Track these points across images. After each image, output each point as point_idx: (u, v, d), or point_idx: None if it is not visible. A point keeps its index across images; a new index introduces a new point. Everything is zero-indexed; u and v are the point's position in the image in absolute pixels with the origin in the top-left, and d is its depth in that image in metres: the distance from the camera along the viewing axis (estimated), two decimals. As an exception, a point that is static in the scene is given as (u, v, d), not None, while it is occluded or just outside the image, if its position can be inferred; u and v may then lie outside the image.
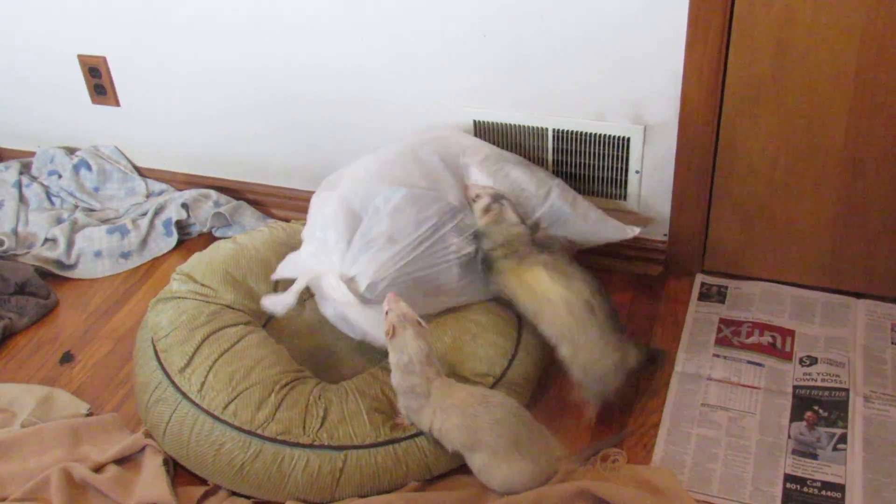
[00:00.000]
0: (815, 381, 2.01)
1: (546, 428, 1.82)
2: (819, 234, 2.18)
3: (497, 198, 2.05)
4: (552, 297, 1.91)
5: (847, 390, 1.97)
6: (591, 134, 2.22)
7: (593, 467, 1.86)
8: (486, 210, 2.04)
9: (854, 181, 2.08)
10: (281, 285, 2.13)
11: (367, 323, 1.92)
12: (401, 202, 2.00)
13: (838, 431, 1.89)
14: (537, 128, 2.25)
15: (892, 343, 2.09)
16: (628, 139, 2.19)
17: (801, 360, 2.07)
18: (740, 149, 2.13)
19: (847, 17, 1.88)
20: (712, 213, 2.26)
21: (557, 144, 2.26)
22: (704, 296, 2.29)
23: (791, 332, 2.14)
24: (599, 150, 2.23)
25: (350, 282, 1.95)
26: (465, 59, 2.23)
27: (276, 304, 2.01)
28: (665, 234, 2.32)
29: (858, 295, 2.22)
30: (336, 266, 1.98)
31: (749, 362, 2.08)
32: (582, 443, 1.93)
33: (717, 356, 2.10)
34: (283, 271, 2.10)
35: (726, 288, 2.30)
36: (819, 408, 1.95)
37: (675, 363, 2.10)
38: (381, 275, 1.95)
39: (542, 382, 2.06)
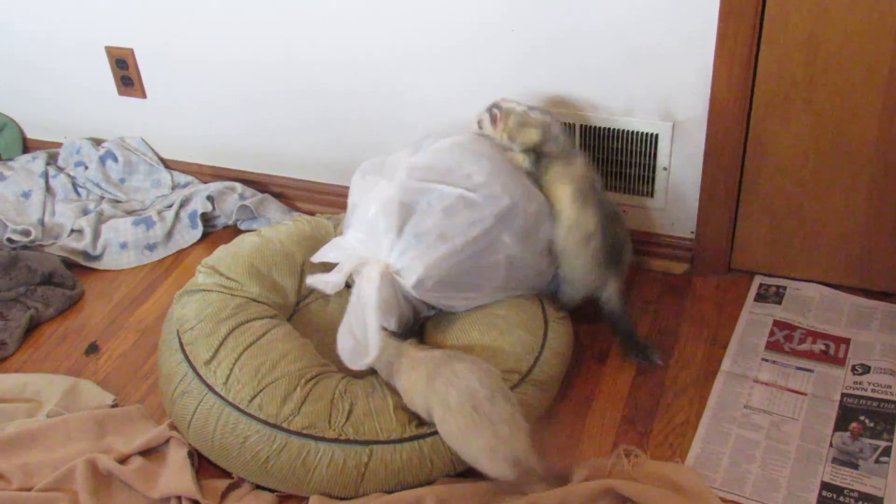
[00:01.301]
0: (865, 390, 1.98)
1: (517, 405, 1.80)
2: (849, 234, 2.16)
3: (489, 108, 2.07)
4: (563, 217, 2.01)
5: (897, 403, 1.95)
6: (619, 130, 2.20)
7: (617, 464, 1.85)
8: (494, 121, 2.06)
9: (886, 180, 2.06)
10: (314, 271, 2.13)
11: (372, 336, 1.86)
12: (455, 202, 1.96)
13: (882, 444, 1.86)
14: (566, 123, 2.23)
15: (952, 358, 2.05)
16: (656, 136, 2.17)
17: (853, 368, 2.03)
18: (770, 147, 2.11)
19: (881, 14, 1.86)
20: (740, 212, 2.24)
21: (585, 140, 2.24)
22: (762, 297, 2.26)
23: (846, 340, 2.11)
24: (627, 146, 2.22)
25: (396, 274, 1.92)
26: (493, 54, 2.22)
27: (325, 283, 1.97)
28: (692, 232, 2.31)
29: (887, 295, 2.20)
30: (383, 255, 1.94)
31: (798, 368, 2.05)
32: (606, 441, 1.93)
33: (766, 360, 2.08)
34: (325, 254, 2.05)
35: (785, 289, 2.27)
36: (866, 418, 1.92)
37: (723, 362, 2.08)
38: (430, 273, 1.92)
39: (568, 381, 2.06)
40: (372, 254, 1.95)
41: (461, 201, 1.96)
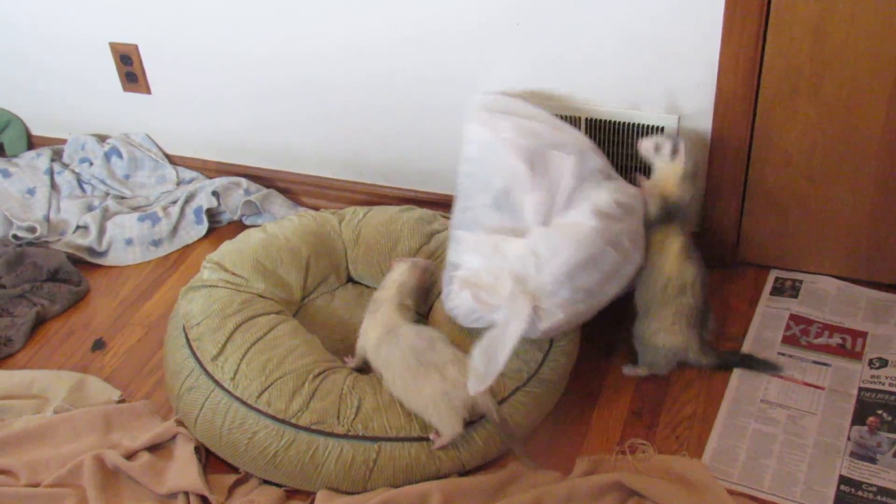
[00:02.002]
0: (883, 384, 1.97)
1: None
2: (856, 226, 2.15)
3: (674, 137, 2.01)
4: (664, 270, 1.97)
5: (916, 397, 1.94)
6: (624, 123, 2.19)
7: (624, 458, 1.85)
8: (676, 152, 1.99)
9: (893, 172, 2.05)
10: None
11: (495, 370, 1.79)
12: (613, 267, 1.91)
13: None
14: (571, 117, 2.23)
15: (969, 350, 2.04)
16: (663, 129, 2.17)
17: (870, 362, 2.02)
18: (776, 139, 2.10)
19: (888, 6, 1.85)
20: (747, 204, 2.24)
21: (591, 133, 2.23)
22: (777, 290, 2.25)
23: (863, 334, 2.10)
24: (633, 139, 2.21)
25: (535, 308, 1.85)
26: (498, 47, 2.21)
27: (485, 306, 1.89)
28: (698, 225, 2.30)
29: (894, 287, 2.19)
30: (539, 293, 1.85)
31: (815, 362, 2.04)
32: (613, 435, 1.93)
33: (782, 354, 2.07)
34: (468, 258, 1.96)
35: (801, 282, 2.26)
36: (884, 412, 1.91)
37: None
38: (565, 322, 1.88)
39: (574, 375, 2.05)
40: (527, 279, 1.87)
41: (616, 266, 1.92)
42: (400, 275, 2.08)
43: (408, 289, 2.07)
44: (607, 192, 1.95)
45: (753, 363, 2.04)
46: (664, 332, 1.99)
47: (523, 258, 1.87)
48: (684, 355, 2.02)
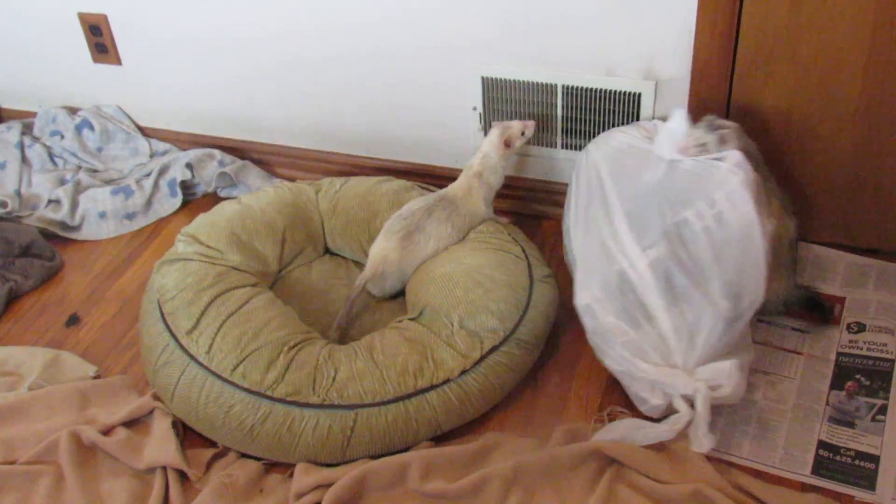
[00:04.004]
0: (861, 349, 1.98)
1: None
2: (834, 191, 2.15)
3: (713, 124, 1.92)
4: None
5: (892, 361, 1.94)
6: (601, 90, 2.18)
7: (603, 426, 1.85)
8: (722, 142, 1.88)
9: (870, 137, 2.05)
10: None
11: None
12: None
13: (879, 402, 1.87)
14: (547, 84, 2.21)
15: (948, 314, 2.05)
16: (639, 95, 2.15)
17: (848, 327, 2.03)
18: (754, 105, 2.09)
19: (865, -32, 1.85)
20: (724, 170, 2.23)
21: (567, 101, 2.22)
22: None
23: (842, 300, 2.10)
24: (610, 106, 2.20)
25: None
26: (473, 15, 2.19)
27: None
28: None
29: (874, 252, 2.20)
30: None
31: (794, 328, 2.05)
32: (593, 402, 1.93)
33: (761, 321, 2.06)
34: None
35: None
36: (862, 377, 1.92)
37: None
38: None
39: (554, 343, 2.05)
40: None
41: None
42: (486, 143, 2.17)
43: (489, 162, 2.16)
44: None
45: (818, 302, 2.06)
46: (775, 282, 1.91)
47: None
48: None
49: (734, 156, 1.82)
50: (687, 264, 1.81)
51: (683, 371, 1.79)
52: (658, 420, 1.81)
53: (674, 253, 1.82)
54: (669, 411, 1.80)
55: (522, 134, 2.19)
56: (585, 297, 1.87)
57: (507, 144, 2.16)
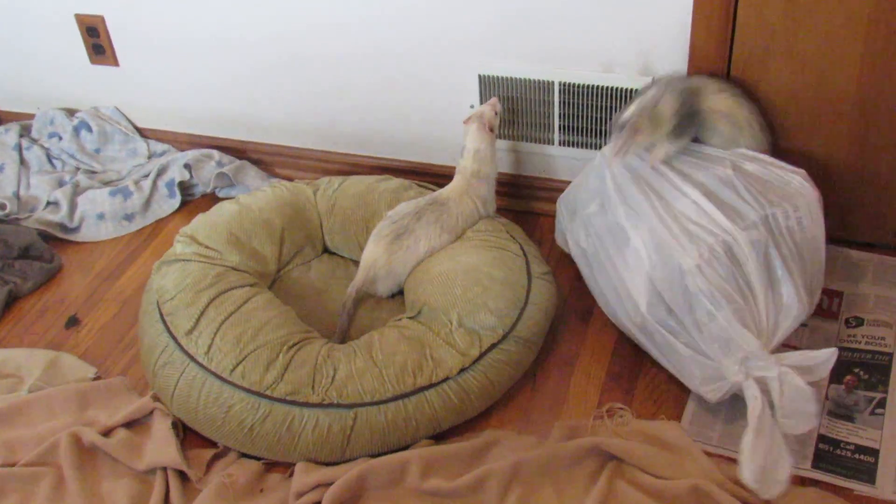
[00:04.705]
0: (860, 343, 1.98)
1: None
2: (832, 185, 2.15)
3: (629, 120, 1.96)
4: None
5: (891, 354, 1.94)
6: (598, 87, 2.18)
7: (602, 422, 1.85)
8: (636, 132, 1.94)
9: (867, 130, 2.05)
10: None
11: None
12: None
13: (878, 396, 1.87)
14: (544, 81, 2.21)
15: (945, 307, 2.05)
16: (636, 91, 2.15)
17: (846, 321, 2.03)
18: (751, 99, 2.09)
19: (860, -39, 1.84)
20: (722, 166, 2.23)
21: (564, 98, 2.22)
22: None
23: (839, 294, 2.10)
24: (607, 102, 2.19)
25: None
26: (470, 12, 2.19)
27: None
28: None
29: (872, 246, 2.20)
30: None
31: (792, 322, 2.05)
32: (591, 399, 1.93)
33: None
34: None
35: None
36: (860, 371, 1.92)
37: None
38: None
39: (552, 340, 2.06)
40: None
41: None
42: (472, 141, 2.16)
43: (482, 155, 2.16)
44: None
45: None
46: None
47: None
48: None
49: (802, 172, 1.93)
50: (783, 252, 1.85)
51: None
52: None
53: (773, 239, 1.85)
54: (728, 394, 1.80)
55: (496, 113, 2.20)
56: (690, 260, 1.80)
57: (491, 129, 2.17)
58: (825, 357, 1.73)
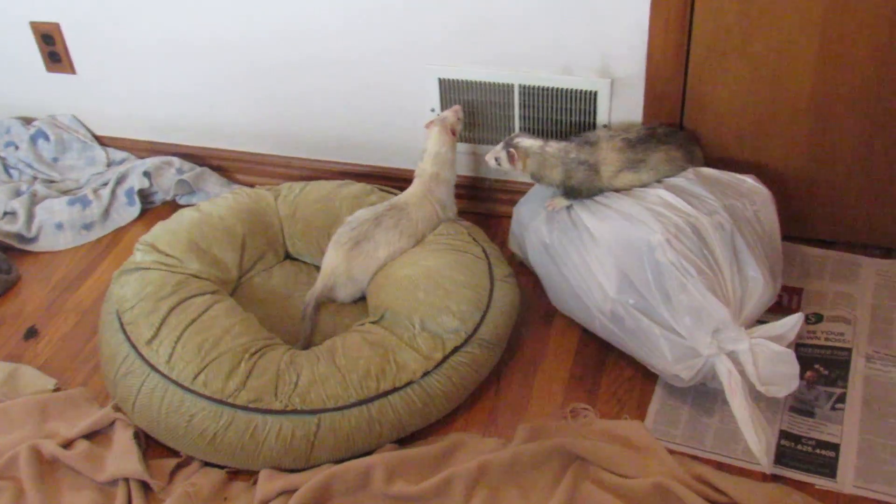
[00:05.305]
0: (819, 339, 2.00)
1: None
2: (788, 184, 2.17)
3: (505, 145, 2.07)
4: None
5: (850, 350, 1.96)
6: (557, 89, 2.19)
7: (565, 423, 1.86)
8: (512, 160, 2.06)
9: (823, 130, 2.07)
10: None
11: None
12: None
13: (838, 391, 1.89)
14: (503, 84, 2.22)
15: (903, 302, 2.07)
16: (595, 93, 2.16)
17: (807, 318, 2.04)
18: (708, 100, 2.11)
19: (812, -37, 1.87)
20: (681, 166, 2.25)
21: (524, 100, 2.23)
22: None
23: (799, 291, 2.13)
24: (566, 104, 2.21)
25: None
26: (428, 16, 2.19)
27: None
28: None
29: (826, 243, 2.23)
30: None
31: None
32: (555, 400, 1.93)
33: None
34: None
35: None
36: (821, 366, 1.94)
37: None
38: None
39: (516, 342, 2.06)
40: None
41: None
42: (433, 144, 2.17)
43: (442, 159, 2.17)
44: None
45: None
46: None
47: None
48: None
49: (752, 176, 2.03)
50: (746, 236, 1.89)
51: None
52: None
53: (735, 223, 1.89)
54: (701, 374, 1.82)
55: (458, 118, 2.21)
56: (658, 235, 1.84)
57: (453, 133, 2.18)
58: (792, 323, 1.77)
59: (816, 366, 1.95)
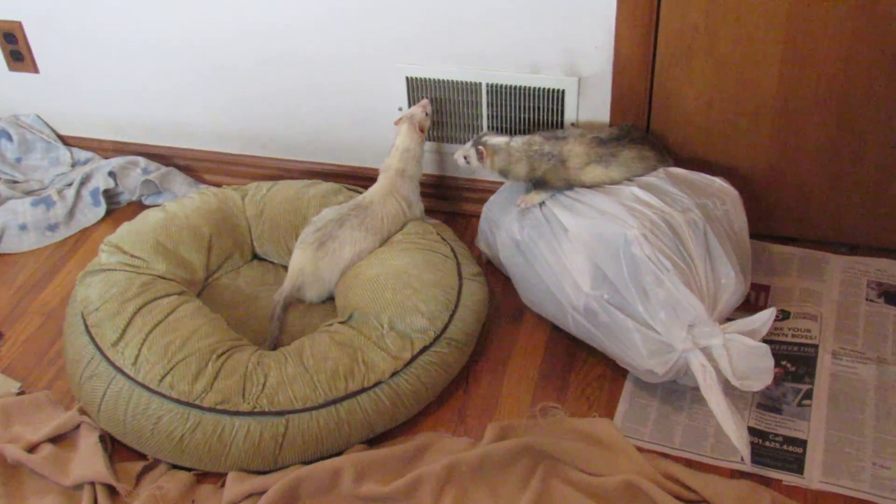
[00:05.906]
0: (787, 336, 2.02)
1: None
2: (755, 182, 2.19)
3: (474, 143, 2.09)
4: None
5: (816, 346, 1.98)
6: (525, 87, 2.19)
7: (535, 422, 1.86)
8: (481, 157, 2.07)
9: (787, 128, 2.09)
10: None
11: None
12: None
13: (804, 387, 1.90)
14: (471, 83, 2.22)
15: (867, 299, 2.09)
16: (563, 91, 2.17)
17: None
18: (675, 99, 2.12)
19: (777, -37, 1.88)
20: (649, 164, 2.25)
21: (492, 99, 2.23)
22: None
23: (766, 288, 2.14)
24: (534, 103, 2.21)
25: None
26: (396, 14, 2.18)
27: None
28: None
29: (792, 240, 2.24)
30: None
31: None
32: (524, 399, 1.94)
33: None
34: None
35: None
36: (787, 363, 1.96)
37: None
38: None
39: (485, 341, 2.06)
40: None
41: None
42: (402, 140, 2.17)
43: (410, 155, 2.17)
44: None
45: None
46: None
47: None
48: None
49: (720, 178, 2.05)
50: (718, 233, 1.90)
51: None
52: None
53: (708, 220, 1.91)
54: (674, 369, 1.82)
55: (426, 114, 2.21)
56: (635, 230, 1.85)
57: (422, 130, 2.18)
58: (765, 318, 1.79)
59: (783, 362, 1.96)
